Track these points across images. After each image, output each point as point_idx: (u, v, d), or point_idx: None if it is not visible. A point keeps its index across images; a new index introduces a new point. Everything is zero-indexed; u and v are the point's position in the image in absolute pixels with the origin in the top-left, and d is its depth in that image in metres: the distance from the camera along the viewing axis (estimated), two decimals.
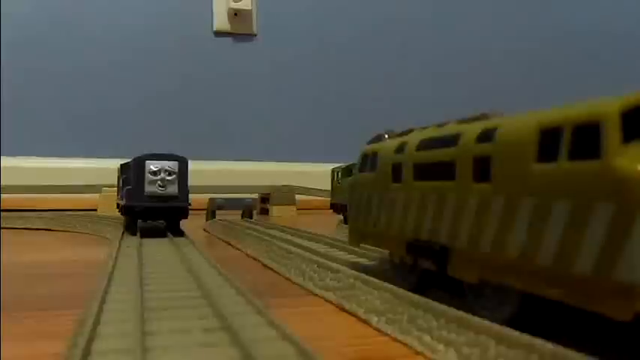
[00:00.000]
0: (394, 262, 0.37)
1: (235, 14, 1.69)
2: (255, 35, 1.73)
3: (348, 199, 0.44)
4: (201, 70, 1.67)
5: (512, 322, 0.24)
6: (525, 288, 0.24)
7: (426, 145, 0.32)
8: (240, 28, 1.71)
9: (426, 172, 0.31)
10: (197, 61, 1.67)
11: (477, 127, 0.28)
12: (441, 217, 0.30)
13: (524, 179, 0.23)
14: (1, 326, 0.29)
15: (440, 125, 0.33)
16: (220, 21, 1.69)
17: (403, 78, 1.85)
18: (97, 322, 0.24)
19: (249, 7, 1.68)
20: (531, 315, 0.25)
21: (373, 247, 0.44)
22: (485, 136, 0.27)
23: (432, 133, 0.33)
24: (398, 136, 0.38)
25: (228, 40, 1.71)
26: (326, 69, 1.79)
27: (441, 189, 0.30)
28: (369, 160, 0.40)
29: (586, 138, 0.21)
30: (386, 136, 0.40)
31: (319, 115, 1.78)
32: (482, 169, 0.26)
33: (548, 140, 0.23)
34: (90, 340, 0.22)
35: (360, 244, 0.43)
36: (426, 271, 0.32)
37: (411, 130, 0.37)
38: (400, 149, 0.35)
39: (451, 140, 0.29)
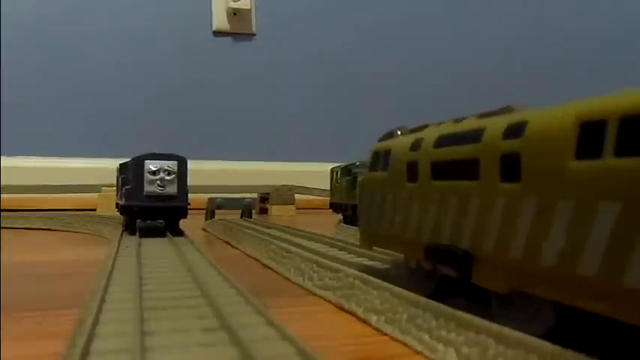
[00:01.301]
0: (409, 266, 0.34)
1: (234, 14, 1.69)
2: (255, 35, 1.73)
3: (357, 200, 0.41)
4: (200, 70, 1.67)
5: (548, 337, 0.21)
6: (563, 300, 0.21)
7: (445, 141, 0.29)
8: (239, 28, 1.71)
9: (446, 170, 0.29)
10: (196, 60, 1.67)
11: (502, 122, 0.26)
12: (463, 220, 0.27)
13: (561, 178, 0.21)
14: (1, 326, 0.29)
15: (457, 120, 0.31)
16: (219, 20, 1.69)
17: (403, 78, 1.85)
18: (96, 322, 0.24)
19: (249, 7, 1.68)
20: (568, 329, 0.23)
21: (382, 249, 0.41)
22: (513, 131, 0.24)
23: (450, 128, 0.30)
24: (411, 133, 0.35)
25: (228, 39, 1.71)
26: (325, 68, 1.79)
27: (463, 189, 0.27)
28: (381, 159, 0.37)
29: (636, 132, 0.18)
30: (398, 132, 0.37)
31: (318, 114, 1.78)
32: (510, 167, 0.24)
33: (590, 135, 0.20)
34: (89, 340, 0.22)
35: (373, 247, 0.40)
36: (446, 277, 0.30)
37: (425, 126, 0.34)
38: (416, 146, 0.32)
39: (474, 136, 0.27)
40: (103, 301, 0.28)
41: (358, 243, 0.55)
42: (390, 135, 0.38)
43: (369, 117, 1.80)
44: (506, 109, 0.27)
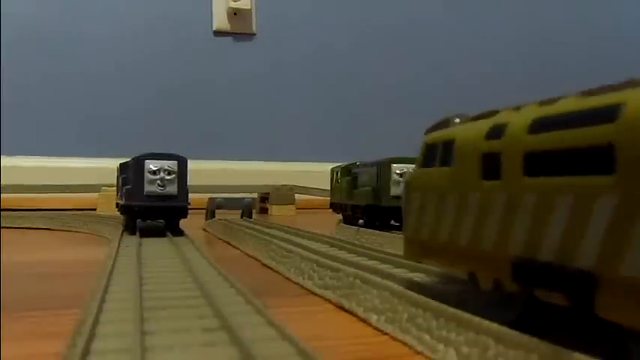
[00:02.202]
0: (480, 286, 0.26)
1: (235, 14, 1.69)
2: (255, 34, 1.73)
3: (403, 202, 0.34)
4: (200, 70, 1.67)
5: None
6: None
7: (549, 124, 0.23)
8: (239, 28, 1.71)
9: (551, 163, 0.22)
10: (197, 60, 1.67)
11: None
12: (583, 229, 0.20)
13: None
14: (1, 326, 0.29)
15: (547, 102, 0.24)
16: (220, 20, 1.69)
17: (404, 78, 1.85)
18: (96, 322, 0.24)
19: (249, 7, 1.68)
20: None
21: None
22: None
23: (547, 110, 0.23)
24: (474, 120, 0.29)
25: (228, 39, 1.71)
26: (326, 68, 1.79)
27: (582, 188, 0.21)
28: (438, 152, 0.31)
29: None
30: (456, 120, 0.31)
31: (318, 114, 1.78)
32: None
33: None
34: (89, 340, 0.22)
35: (422, 261, 0.33)
36: (535, 302, 0.23)
37: (494, 112, 0.27)
38: (496, 133, 0.25)
39: (605, 114, 0.20)
40: (103, 300, 0.28)
41: (370, 246, 0.54)
42: (445, 124, 0.32)
43: (370, 117, 1.81)
44: (631, 84, 0.20)
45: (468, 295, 0.29)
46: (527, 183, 0.23)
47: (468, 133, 0.28)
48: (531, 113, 0.24)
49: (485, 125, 0.27)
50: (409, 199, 0.33)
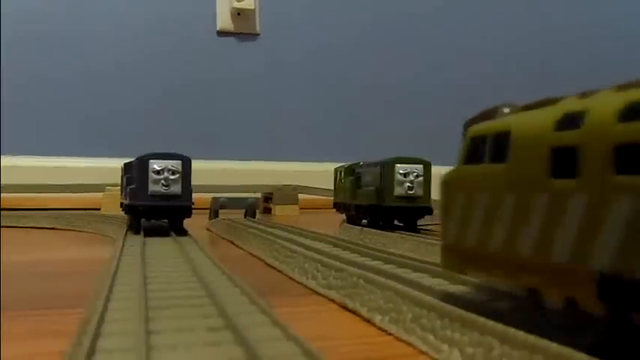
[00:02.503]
0: (545, 304, 0.23)
1: (238, 14, 1.69)
2: (259, 35, 1.73)
3: (441, 205, 0.30)
4: (204, 70, 1.68)
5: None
6: None
7: None
8: (243, 28, 1.71)
9: None
10: (200, 60, 1.67)
11: None
12: None
13: None
14: (0, 326, 0.29)
15: (630, 86, 0.20)
16: (223, 20, 1.69)
17: (406, 78, 1.84)
18: (101, 321, 0.24)
19: (252, 7, 1.68)
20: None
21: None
22: None
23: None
24: (527, 110, 0.25)
25: (231, 39, 1.71)
26: (329, 68, 1.79)
27: None
28: (487, 146, 0.26)
29: None
30: (505, 109, 0.27)
31: (322, 114, 1.78)
32: None
33: None
34: (95, 339, 0.22)
35: (466, 272, 0.29)
36: (622, 325, 0.20)
37: (554, 100, 0.24)
38: (571, 123, 0.21)
39: None
40: (108, 299, 0.29)
41: (374, 246, 0.54)
42: (490, 114, 0.28)
43: (373, 117, 1.80)
44: None
45: (525, 313, 0.25)
46: (619, 182, 0.19)
47: (528, 123, 0.24)
48: (615, 98, 0.20)
49: (551, 114, 0.22)
50: (449, 200, 0.29)
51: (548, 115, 0.23)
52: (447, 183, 0.30)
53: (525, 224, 0.23)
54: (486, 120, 0.28)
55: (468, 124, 0.29)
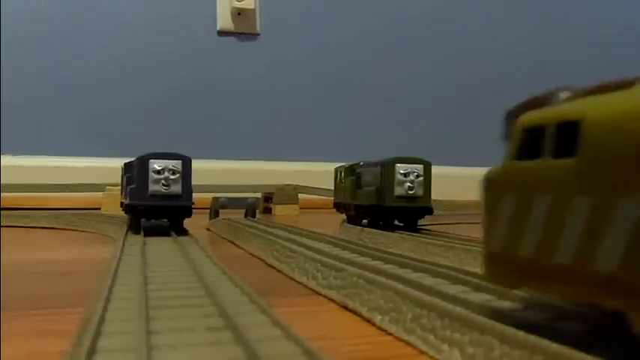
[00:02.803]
0: (633, 329, 0.19)
1: (239, 13, 1.69)
2: (259, 34, 1.73)
3: (484, 206, 0.25)
4: (204, 69, 1.68)
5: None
6: None
7: None
8: (243, 28, 1.71)
9: None
10: (200, 60, 1.68)
11: None
12: None
13: None
14: (1, 326, 0.29)
15: None
16: (223, 20, 1.69)
17: (407, 78, 1.84)
18: (101, 320, 0.24)
19: (253, 7, 1.68)
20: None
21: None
22: None
23: None
24: (590, 94, 0.22)
25: (232, 39, 1.71)
26: (329, 68, 1.79)
27: None
28: (547, 138, 0.22)
29: None
30: (562, 95, 0.23)
31: (322, 114, 1.78)
32: None
33: None
34: (95, 338, 0.22)
35: (520, 287, 0.24)
36: None
37: (628, 82, 0.21)
38: None
39: None
40: (108, 299, 0.29)
41: (374, 246, 0.53)
42: (543, 101, 0.24)
43: (373, 117, 1.80)
44: None
45: (602, 336, 0.21)
46: None
47: (608, 111, 0.20)
48: None
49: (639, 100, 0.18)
50: (494, 201, 0.25)
51: (636, 101, 0.19)
52: (491, 181, 0.25)
53: (608, 235, 0.19)
54: (535, 108, 0.23)
55: (511, 113, 0.26)
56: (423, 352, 0.25)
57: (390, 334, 0.28)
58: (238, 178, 1.49)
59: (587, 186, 0.20)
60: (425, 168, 0.73)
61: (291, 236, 0.64)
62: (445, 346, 0.24)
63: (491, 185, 0.25)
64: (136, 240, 0.56)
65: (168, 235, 0.63)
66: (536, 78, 1.92)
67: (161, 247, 0.53)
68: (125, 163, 0.78)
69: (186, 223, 0.68)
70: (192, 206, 0.67)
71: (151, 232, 0.64)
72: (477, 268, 0.46)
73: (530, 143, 0.23)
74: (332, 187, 1.07)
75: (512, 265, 0.23)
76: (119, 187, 0.88)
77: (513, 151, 0.24)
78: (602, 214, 0.19)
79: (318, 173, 1.53)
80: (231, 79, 1.70)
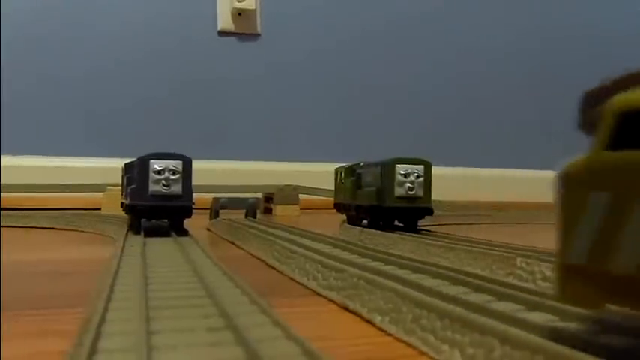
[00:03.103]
0: None
1: (239, 14, 1.69)
2: (259, 35, 1.73)
3: (560, 207, 0.20)
4: (204, 70, 1.68)
5: None
6: None
7: None
8: (244, 28, 1.71)
9: None
10: (201, 60, 1.68)
11: None
12: None
13: None
14: (1, 326, 0.29)
15: None
16: (224, 21, 1.69)
17: (408, 78, 1.84)
18: (102, 320, 0.24)
19: (253, 7, 1.68)
20: None
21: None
22: None
23: None
24: None
25: (232, 39, 1.71)
26: (330, 68, 1.79)
27: None
28: None
29: None
30: None
31: (323, 114, 1.78)
32: None
33: None
34: (96, 338, 0.22)
35: (608, 306, 0.19)
36: None
37: None
38: None
39: None
40: (108, 299, 0.29)
41: (374, 247, 0.53)
42: (633, 79, 0.21)
43: (373, 117, 1.81)
44: None
45: None
46: None
47: None
48: None
49: None
50: (574, 201, 0.20)
51: None
52: (572, 177, 0.20)
53: None
54: (622, 89, 0.19)
55: (590, 97, 0.22)
56: (423, 353, 0.25)
57: (390, 334, 0.28)
58: (239, 179, 1.49)
59: None
60: (425, 169, 0.73)
61: (292, 237, 0.64)
62: (445, 347, 0.24)
63: (572, 182, 0.20)
64: (137, 240, 0.56)
65: (168, 235, 0.63)
66: (536, 78, 1.92)
67: (161, 247, 0.53)
68: (125, 164, 0.78)
69: (187, 223, 0.68)
70: (193, 207, 0.67)
71: (151, 232, 0.64)
72: (478, 269, 0.46)
73: (626, 131, 0.18)
74: (332, 188, 1.07)
75: (597, 279, 0.19)
76: (119, 188, 0.88)
77: (604, 139, 0.19)
78: None
79: (319, 174, 1.53)
80: (231, 80, 1.70)
